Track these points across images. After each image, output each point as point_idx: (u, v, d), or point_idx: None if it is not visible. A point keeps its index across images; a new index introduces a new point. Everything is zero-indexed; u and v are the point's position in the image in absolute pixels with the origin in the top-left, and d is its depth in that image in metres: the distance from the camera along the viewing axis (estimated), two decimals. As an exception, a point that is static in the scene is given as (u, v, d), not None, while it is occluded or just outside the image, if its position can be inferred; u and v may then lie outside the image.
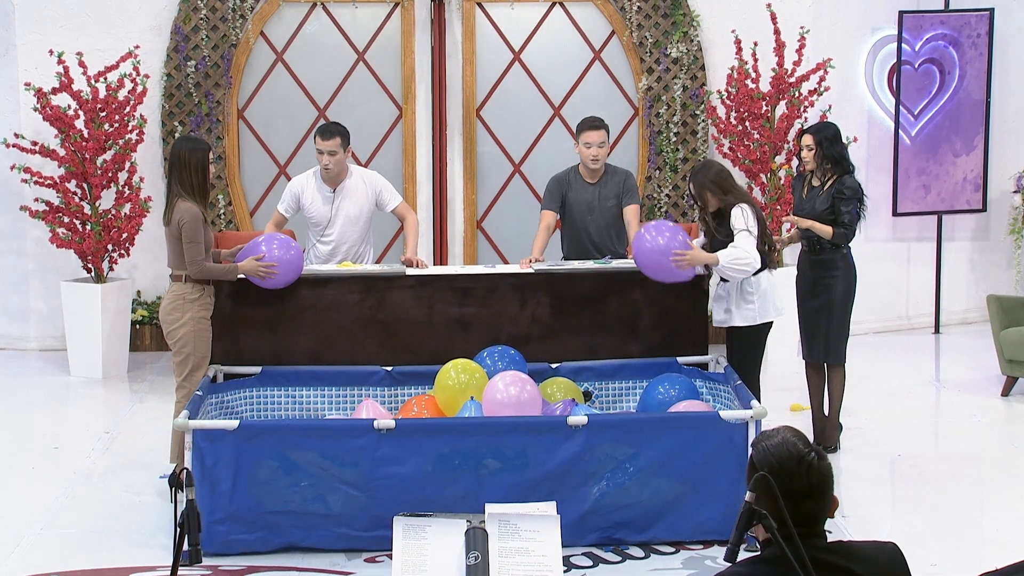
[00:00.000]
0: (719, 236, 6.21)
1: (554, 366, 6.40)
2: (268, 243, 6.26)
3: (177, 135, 9.22)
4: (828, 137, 6.68)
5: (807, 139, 6.72)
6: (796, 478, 2.86)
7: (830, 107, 9.23)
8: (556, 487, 5.32)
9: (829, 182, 6.71)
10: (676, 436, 5.37)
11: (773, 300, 6.30)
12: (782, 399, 7.76)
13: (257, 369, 6.32)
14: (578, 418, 5.37)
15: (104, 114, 8.64)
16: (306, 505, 5.34)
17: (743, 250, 6.08)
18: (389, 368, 6.34)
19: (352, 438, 5.33)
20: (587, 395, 6.26)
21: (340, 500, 5.35)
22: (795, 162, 9.25)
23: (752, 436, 5.29)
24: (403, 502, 5.18)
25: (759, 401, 5.54)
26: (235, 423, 5.35)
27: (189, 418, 5.35)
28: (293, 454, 5.33)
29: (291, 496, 5.34)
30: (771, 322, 6.34)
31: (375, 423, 5.32)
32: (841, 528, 5.65)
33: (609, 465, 5.36)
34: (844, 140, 6.83)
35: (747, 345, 6.30)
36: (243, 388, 6.22)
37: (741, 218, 6.12)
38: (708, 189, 6.19)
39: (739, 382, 5.83)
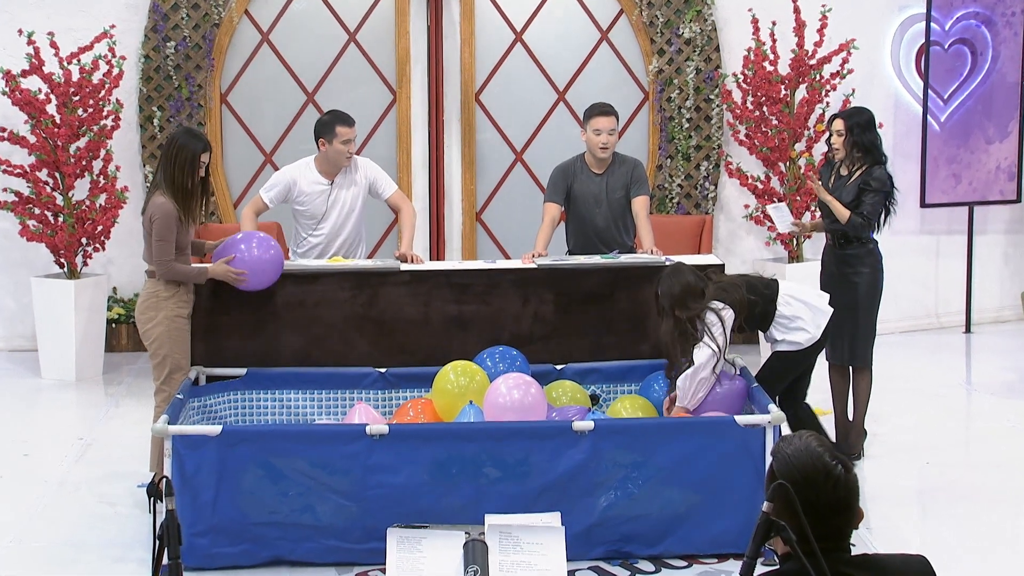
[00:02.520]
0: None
1: (559, 368, 6.41)
2: (246, 242, 6.25)
3: (155, 120, 9.23)
4: (860, 123, 6.68)
5: (838, 124, 6.73)
6: (822, 492, 2.85)
7: (853, 91, 9.23)
8: (560, 497, 5.32)
9: (858, 172, 6.71)
10: (688, 442, 5.37)
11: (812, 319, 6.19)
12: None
13: (242, 371, 6.32)
14: (584, 423, 5.38)
15: (77, 98, 8.64)
16: (294, 516, 5.34)
17: (693, 373, 5.79)
18: (383, 370, 6.35)
19: (343, 444, 5.33)
20: (594, 398, 6.26)
21: (330, 510, 5.35)
22: (816, 148, 9.29)
23: (770, 442, 5.29)
24: (397, 512, 5.19)
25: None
26: (218, 428, 5.35)
27: (168, 423, 5.35)
28: (280, 461, 5.33)
29: (278, 506, 5.34)
30: (810, 349, 6.15)
31: (367, 428, 5.33)
32: (866, 541, 5.64)
33: (617, 474, 5.36)
34: (879, 129, 6.82)
35: (782, 364, 6.22)
36: (227, 391, 6.22)
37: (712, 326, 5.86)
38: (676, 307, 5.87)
39: (755, 385, 5.83)
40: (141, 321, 6.08)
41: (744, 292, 5.87)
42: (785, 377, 6.16)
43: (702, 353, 5.76)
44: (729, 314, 5.81)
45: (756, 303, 5.92)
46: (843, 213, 6.67)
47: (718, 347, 5.76)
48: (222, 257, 6.20)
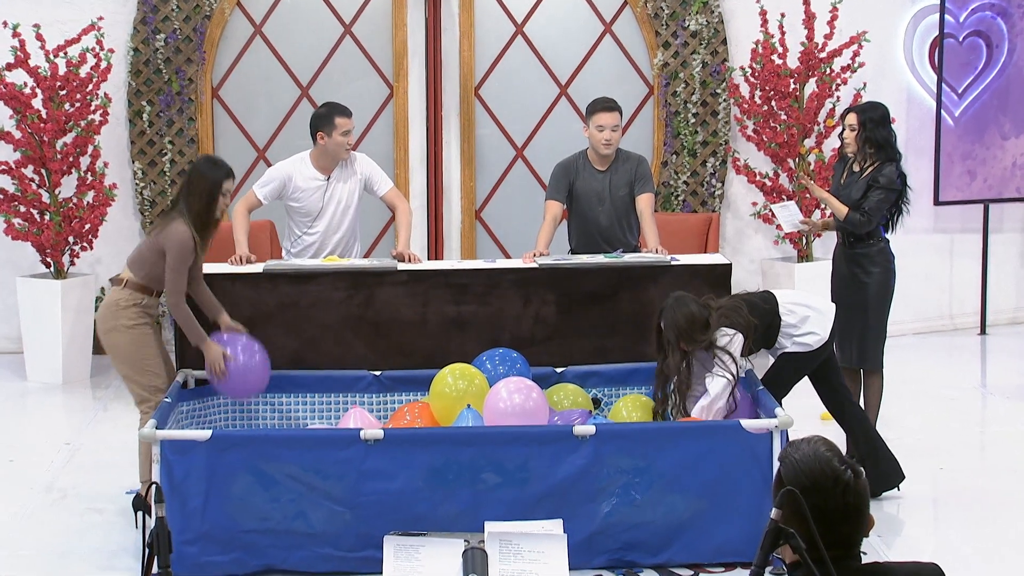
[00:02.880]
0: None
1: (559, 370, 6.40)
2: (248, 353, 6.01)
3: (145, 116, 9.22)
4: (874, 118, 6.67)
5: (851, 118, 6.72)
6: (831, 498, 2.86)
7: (865, 85, 9.22)
8: (561, 504, 5.31)
9: (870, 168, 6.70)
10: (693, 447, 5.36)
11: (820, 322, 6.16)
12: (811, 407, 7.72)
13: (232, 374, 6.28)
14: (585, 428, 5.37)
15: (64, 92, 8.63)
16: (286, 523, 5.34)
17: (708, 399, 5.74)
18: (378, 373, 6.34)
19: (336, 449, 5.33)
20: (596, 402, 6.25)
21: (323, 517, 5.34)
22: (826, 144, 9.27)
23: (777, 447, 5.29)
24: (393, 520, 5.19)
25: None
26: (207, 433, 5.35)
27: (157, 428, 5.34)
28: (271, 467, 5.32)
29: (269, 513, 5.34)
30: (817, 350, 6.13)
31: (361, 433, 5.33)
32: (877, 549, 5.63)
33: (619, 480, 5.35)
34: (892, 124, 6.80)
35: (791, 365, 6.20)
36: (217, 395, 6.21)
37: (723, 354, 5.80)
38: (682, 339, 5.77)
39: (760, 387, 5.82)
40: (103, 331, 6.02)
41: (748, 314, 5.83)
42: (794, 379, 6.14)
43: (716, 383, 5.71)
44: (739, 340, 5.77)
45: (759, 326, 5.89)
46: (841, 209, 6.67)
47: (732, 375, 5.72)
48: (224, 343, 5.99)
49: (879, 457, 6.23)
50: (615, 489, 5.36)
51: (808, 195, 8.99)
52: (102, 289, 9.40)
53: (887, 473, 6.26)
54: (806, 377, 6.18)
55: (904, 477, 6.30)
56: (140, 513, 5.66)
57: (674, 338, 5.73)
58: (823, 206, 8.83)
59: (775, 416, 5.40)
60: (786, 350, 6.04)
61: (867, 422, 6.37)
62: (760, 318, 5.88)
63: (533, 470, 5.33)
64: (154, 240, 5.94)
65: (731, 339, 5.74)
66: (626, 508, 5.36)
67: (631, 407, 6.03)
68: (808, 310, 6.01)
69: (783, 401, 5.95)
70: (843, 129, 6.79)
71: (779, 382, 6.04)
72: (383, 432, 5.34)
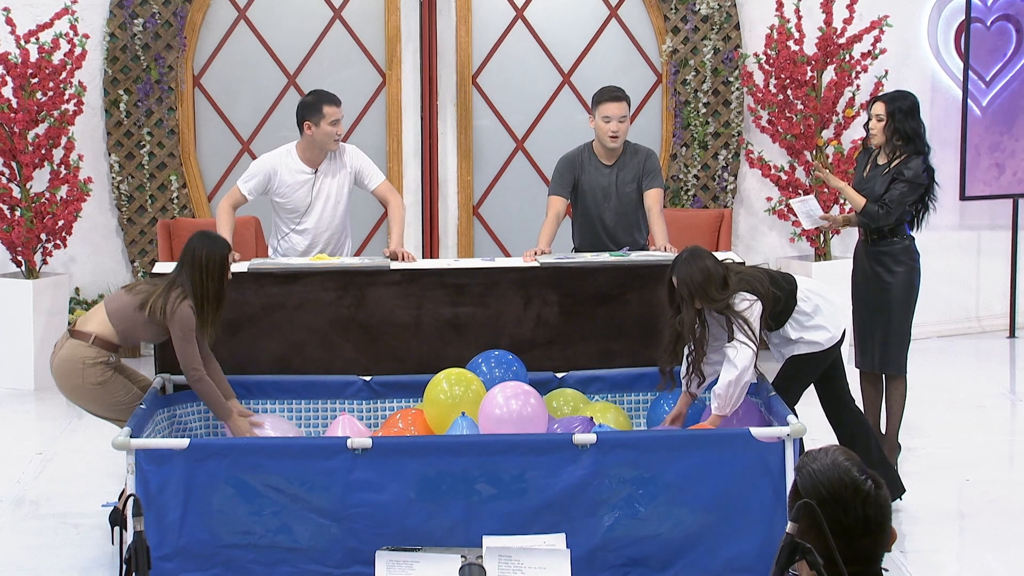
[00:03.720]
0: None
1: (559, 375, 6.40)
2: (275, 429, 5.98)
3: (122, 105, 9.21)
4: (903, 109, 6.66)
5: (878, 108, 6.71)
6: (851, 510, 2.86)
7: (886, 73, 9.22)
8: (560, 517, 5.29)
9: (896, 161, 6.68)
10: (700, 457, 5.35)
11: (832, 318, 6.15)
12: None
13: (213, 379, 6.28)
14: (585, 436, 5.36)
15: (36, 80, 8.63)
16: (269, 537, 5.32)
17: (731, 372, 5.65)
18: (368, 378, 6.33)
19: (322, 459, 5.32)
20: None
21: (309, 531, 5.33)
22: (845, 135, 9.26)
23: (790, 456, 5.29)
24: (382, 533, 5.19)
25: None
26: (185, 442, 5.33)
27: (132, 436, 5.32)
28: (253, 478, 5.31)
29: (251, 526, 5.33)
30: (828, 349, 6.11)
31: (348, 441, 5.32)
32: (900, 565, 5.63)
33: (622, 491, 5.34)
34: (921, 116, 6.79)
35: (800, 368, 6.18)
36: (196, 401, 6.19)
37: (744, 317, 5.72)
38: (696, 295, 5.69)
39: (772, 394, 5.81)
40: (66, 388, 6.02)
41: (769, 284, 5.77)
42: (805, 383, 6.13)
43: (742, 355, 5.60)
44: (759, 308, 5.69)
45: (779, 298, 5.84)
46: (858, 201, 6.67)
47: (755, 344, 5.63)
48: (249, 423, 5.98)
49: (877, 469, 6.21)
50: (618, 501, 5.34)
51: (826, 189, 8.97)
52: (76, 289, 9.39)
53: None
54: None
55: (904, 491, 6.30)
56: (116, 528, 5.66)
57: (688, 294, 5.63)
58: (842, 200, 8.84)
59: (787, 424, 5.38)
60: (795, 351, 6.02)
61: (867, 428, 6.35)
62: (780, 294, 5.83)
63: (530, 481, 5.32)
64: (150, 309, 5.88)
65: (751, 305, 5.66)
66: (629, 521, 5.34)
67: (599, 415, 5.99)
68: (823, 300, 5.99)
69: (796, 409, 5.94)
70: (869, 119, 6.77)
71: (789, 387, 6.02)
72: (371, 441, 5.34)
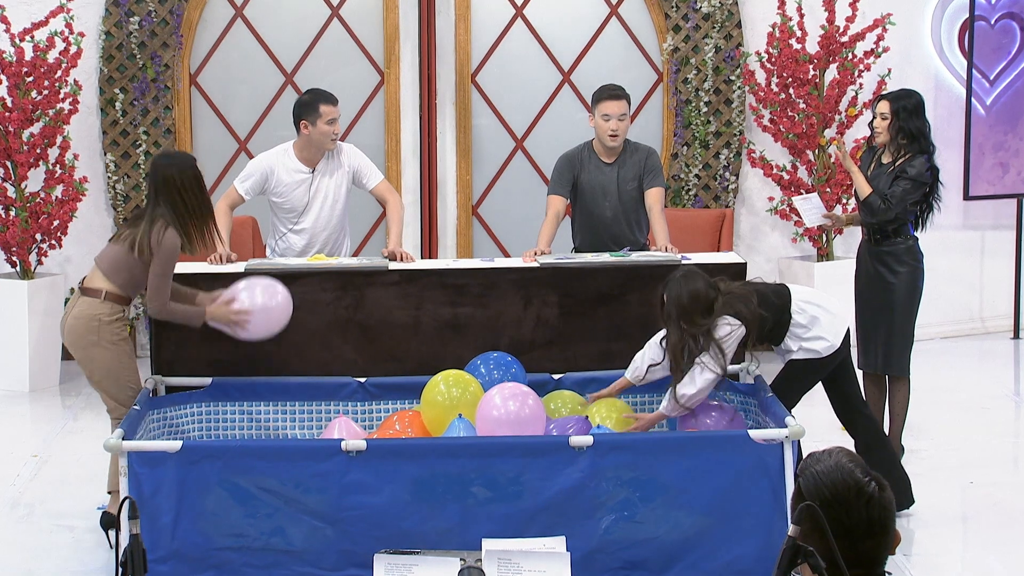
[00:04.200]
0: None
1: (556, 377, 6.40)
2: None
3: (117, 104, 9.20)
4: (908, 107, 6.67)
5: (883, 106, 6.71)
6: (854, 512, 2.86)
7: (889, 71, 9.20)
8: (556, 519, 5.28)
9: (901, 160, 6.67)
10: (698, 459, 5.35)
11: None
12: (830, 417, 7.69)
13: (207, 380, 6.30)
14: (582, 438, 5.36)
15: (31, 79, 8.61)
16: (263, 540, 5.32)
17: (689, 384, 5.73)
18: (363, 379, 6.33)
19: (316, 461, 5.31)
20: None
21: (303, 534, 5.33)
22: (848, 135, 9.23)
23: (789, 458, 5.29)
24: (377, 536, 5.18)
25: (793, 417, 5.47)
26: (178, 444, 5.33)
27: (124, 438, 5.32)
28: (247, 480, 5.31)
29: (245, 529, 5.32)
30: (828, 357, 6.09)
31: (343, 444, 5.33)
32: (903, 568, 5.62)
33: (619, 494, 5.34)
34: (927, 114, 6.78)
35: (799, 371, 6.15)
36: (189, 403, 6.21)
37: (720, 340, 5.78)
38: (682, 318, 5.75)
39: (770, 395, 5.80)
40: (80, 346, 5.99)
41: (756, 305, 5.78)
42: (803, 387, 6.12)
43: (703, 377, 5.68)
44: (740, 333, 5.73)
45: (767, 319, 5.84)
46: (864, 188, 6.68)
47: (721, 370, 5.70)
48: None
49: (891, 477, 6.17)
50: (615, 504, 5.34)
51: (828, 189, 8.96)
52: (71, 290, 9.36)
53: (896, 494, 6.21)
54: (820, 385, 6.14)
55: (913, 502, 6.30)
56: (111, 532, 5.65)
57: (675, 314, 5.71)
58: (845, 201, 8.82)
59: (785, 426, 5.36)
60: (794, 356, 5.99)
61: (882, 436, 6.34)
62: (769, 312, 5.84)
63: (527, 483, 5.31)
64: (138, 249, 5.89)
65: (731, 332, 5.71)
66: (627, 524, 5.34)
67: (604, 413, 5.98)
68: (820, 311, 5.95)
69: (795, 411, 5.89)
70: (874, 117, 6.77)
71: (787, 390, 6.00)
72: (366, 443, 5.33)
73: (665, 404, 5.79)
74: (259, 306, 6.03)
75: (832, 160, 9.13)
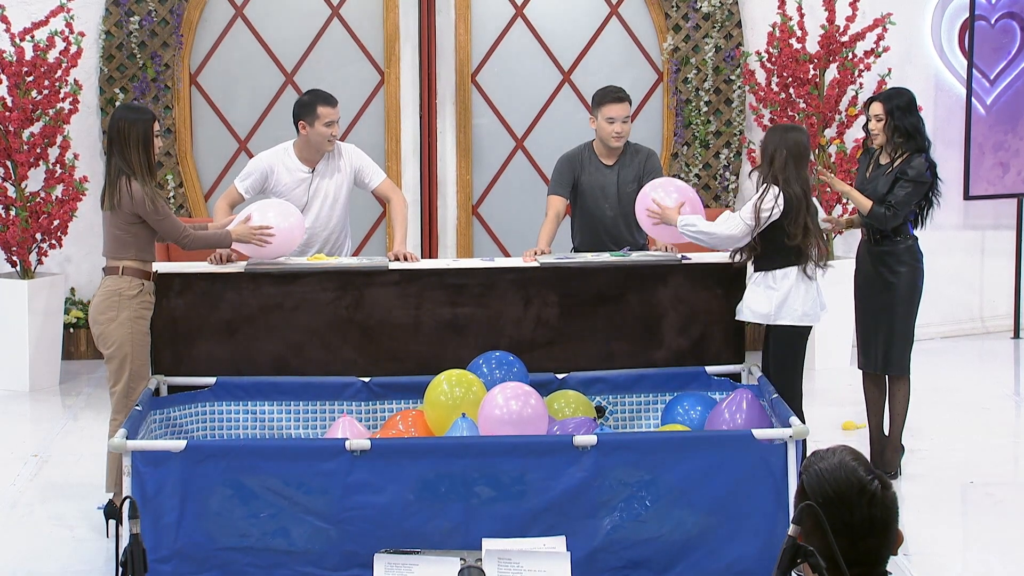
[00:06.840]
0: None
1: (560, 376, 6.39)
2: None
3: (117, 103, 9.18)
4: (901, 106, 6.68)
5: (876, 108, 6.72)
6: (856, 510, 2.87)
7: (889, 71, 9.21)
8: (560, 519, 5.28)
9: (899, 160, 6.68)
10: (701, 459, 5.33)
11: (802, 304, 6.23)
12: (833, 415, 7.74)
13: (211, 380, 6.29)
14: (585, 438, 5.35)
15: (31, 79, 8.62)
16: (266, 539, 5.31)
17: (712, 224, 6.23)
18: (367, 379, 6.32)
19: (320, 461, 5.30)
20: (600, 410, 6.23)
21: (306, 534, 5.32)
22: (848, 134, 9.25)
23: (792, 458, 5.29)
24: (379, 536, 5.17)
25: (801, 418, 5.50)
26: (182, 443, 5.31)
27: (127, 438, 5.31)
28: (250, 480, 5.30)
29: (248, 529, 5.31)
30: (802, 327, 6.28)
31: (347, 443, 5.31)
32: (904, 568, 5.63)
33: (622, 493, 5.32)
34: (920, 111, 6.80)
35: (784, 348, 6.24)
36: (193, 403, 6.20)
37: (752, 200, 6.20)
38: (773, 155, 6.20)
39: (775, 395, 5.81)
40: (99, 321, 6.08)
41: (805, 216, 6.12)
42: (800, 357, 6.25)
43: (730, 226, 6.15)
44: (775, 215, 6.08)
45: (796, 235, 6.13)
46: (864, 204, 6.67)
47: (750, 230, 6.09)
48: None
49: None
50: (618, 503, 5.32)
51: (828, 189, 8.97)
52: (72, 290, 9.39)
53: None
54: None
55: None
56: (112, 522, 5.64)
57: (770, 151, 6.15)
58: (845, 200, 8.84)
59: (789, 425, 5.37)
60: (780, 320, 6.18)
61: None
62: (797, 229, 6.12)
63: (530, 483, 5.30)
64: (117, 214, 6.04)
65: (774, 203, 6.09)
66: (630, 524, 5.33)
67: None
68: (789, 294, 6.19)
69: (802, 397, 5.97)
70: (868, 120, 6.77)
71: (787, 366, 6.19)
72: (370, 443, 5.32)
73: (684, 216, 6.24)
74: (278, 224, 6.42)
75: (832, 160, 9.15)
